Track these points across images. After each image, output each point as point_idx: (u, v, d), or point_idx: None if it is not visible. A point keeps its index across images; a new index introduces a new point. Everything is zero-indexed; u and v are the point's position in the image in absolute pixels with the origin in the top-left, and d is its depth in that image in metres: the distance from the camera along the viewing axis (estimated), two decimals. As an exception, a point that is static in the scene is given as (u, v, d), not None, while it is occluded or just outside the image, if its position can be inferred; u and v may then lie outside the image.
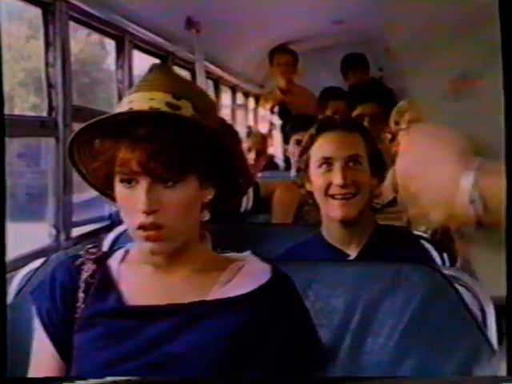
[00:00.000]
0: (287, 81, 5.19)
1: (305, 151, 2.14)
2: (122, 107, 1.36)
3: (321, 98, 4.63)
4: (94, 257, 1.44)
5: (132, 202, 1.33)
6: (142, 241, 1.34)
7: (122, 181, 1.34)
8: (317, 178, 2.08)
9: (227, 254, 1.48)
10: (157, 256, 1.38)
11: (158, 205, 1.31)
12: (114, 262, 1.44)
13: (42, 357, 1.42)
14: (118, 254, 1.46)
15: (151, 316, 1.35)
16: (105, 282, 1.41)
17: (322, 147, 2.09)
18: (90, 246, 1.48)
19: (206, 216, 1.43)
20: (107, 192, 1.42)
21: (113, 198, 1.41)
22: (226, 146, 1.39)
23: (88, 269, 1.42)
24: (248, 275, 1.40)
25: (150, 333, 1.34)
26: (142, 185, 1.32)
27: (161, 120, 1.31)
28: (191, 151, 1.32)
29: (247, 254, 1.47)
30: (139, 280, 1.40)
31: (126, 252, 1.46)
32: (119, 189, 1.35)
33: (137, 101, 1.35)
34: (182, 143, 1.31)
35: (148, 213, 1.31)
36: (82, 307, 1.39)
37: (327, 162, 2.06)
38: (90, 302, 1.39)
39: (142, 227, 1.32)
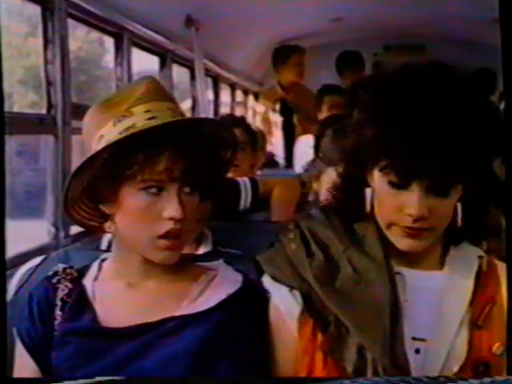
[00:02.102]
0: (296, 79, 5.16)
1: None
2: (141, 115, 1.35)
3: (317, 95, 4.63)
4: (69, 277, 1.46)
5: (157, 209, 1.33)
6: (161, 250, 1.35)
7: (145, 188, 1.33)
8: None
9: (200, 263, 1.49)
10: (125, 250, 1.40)
11: (185, 212, 1.33)
12: (88, 282, 1.45)
13: (25, 374, 1.43)
14: (92, 272, 1.47)
15: (122, 337, 1.37)
16: (80, 302, 1.43)
17: None
18: (65, 266, 1.49)
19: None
20: (92, 207, 1.40)
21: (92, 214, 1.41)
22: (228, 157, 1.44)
23: (64, 288, 1.44)
24: (219, 287, 1.42)
25: (121, 351, 1.36)
26: (171, 192, 1.33)
27: (186, 129, 1.34)
28: (215, 161, 1.39)
29: (220, 262, 1.49)
30: (112, 299, 1.42)
31: (99, 269, 1.47)
32: (140, 197, 1.33)
33: (156, 110, 1.35)
34: (212, 153, 1.38)
35: (179, 220, 1.32)
36: (60, 325, 1.42)
37: None
38: (64, 320, 1.41)
39: (166, 236, 1.33)
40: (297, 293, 1.39)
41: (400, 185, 1.31)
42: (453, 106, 1.30)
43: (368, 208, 1.38)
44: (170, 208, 1.32)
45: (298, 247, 1.40)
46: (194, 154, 1.33)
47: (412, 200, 1.30)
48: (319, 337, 1.36)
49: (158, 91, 1.40)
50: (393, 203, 1.33)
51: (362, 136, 1.35)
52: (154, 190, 1.33)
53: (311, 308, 1.38)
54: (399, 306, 1.34)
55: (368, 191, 1.38)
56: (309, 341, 1.37)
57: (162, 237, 1.34)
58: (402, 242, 1.34)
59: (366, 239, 1.39)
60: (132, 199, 1.34)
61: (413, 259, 1.39)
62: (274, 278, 1.41)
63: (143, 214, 1.34)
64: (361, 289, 1.35)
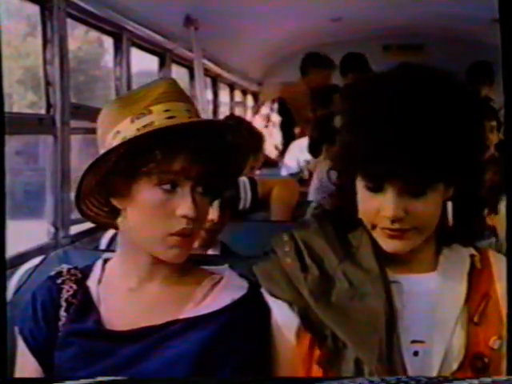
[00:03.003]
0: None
1: None
2: (160, 114, 1.35)
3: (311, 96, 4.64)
4: (74, 278, 1.45)
5: (171, 206, 1.33)
6: (171, 247, 1.35)
7: (159, 184, 1.33)
8: None
9: (204, 267, 1.48)
10: (132, 252, 1.40)
11: (197, 211, 1.33)
12: (92, 284, 1.45)
13: (27, 374, 1.43)
14: (95, 273, 1.46)
15: (127, 339, 1.37)
16: (85, 303, 1.42)
17: None
18: (70, 266, 1.48)
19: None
20: (103, 198, 1.40)
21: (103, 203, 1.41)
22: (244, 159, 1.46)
23: (69, 289, 1.43)
24: (223, 291, 1.41)
25: (124, 354, 1.36)
26: (185, 190, 1.33)
27: (203, 131, 1.34)
28: (233, 162, 1.41)
29: (225, 267, 1.48)
30: (117, 301, 1.42)
31: (103, 269, 1.47)
32: (154, 193, 1.33)
33: (175, 110, 1.36)
34: (229, 154, 1.39)
35: (192, 219, 1.32)
36: (64, 326, 1.41)
37: None
38: (69, 321, 1.41)
39: (177, 234, 1.33)
40: (295, 307, 1.39)
41: (375, 188, 1.33)
42: (417, 106, 1.30)
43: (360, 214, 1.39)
44: (184, 206, 1.32)
45: (293, 261, 1.40)
46: (209, 156, 1.34)
47: (387, 202, 1.31)
48: (317, 350, 1.37)
49: (178, 92, 1.40)
50: (371, 206, 1.34)
51: (340, 144, 1.39)
52: (168, 187, 1.33)
53: (308, 322, 1.38)
54: (395, 317, 1.34)
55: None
56: (306, 354, 1.37)
57: (173, 234, 1.34)
58: (387, 244, 1.35)
59: (360, 250, 1.40)
60: (146, 195, 1.34)
61: (408, 264, 1.40)
62: (271, 294, 1.41)
63: (156, 211, 1.34)
64: (356, 302, 1.35)
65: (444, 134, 1.30)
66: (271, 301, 1.41)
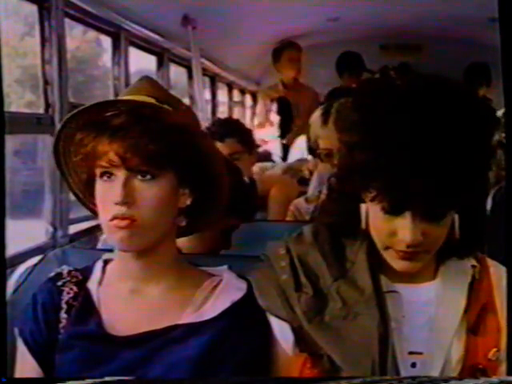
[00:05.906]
0: (294, 77, 5.18)
1: None
2: None
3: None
4: (75, 280, 1.46)
5: (109, 195, 1.35)
6: (114, 231, 1.35)
7: (101, 175, 1.36)
8: None
9: (203, 268, 1.48)
10: (127, 253, 1.40)
11: (132, 197, 1.34)
12: (93, 286, 1.45)
13: (27, 374, 1.43)
14: (96, 275, 1.47)
15: (128, 344, 1.38)
16: (86, 306, 1.43)
17: None
18: (70, 268, 1.48)
19: (183, 222, 1.44)
20: (85, 199, 1.45)
21: (87, 206, 1.46)
22: (204, 150, 1.40)
23: (70, 291, 1.44)
24: (223, 294, 1.42)
25: (126, 358, 1.37)
26: (119, 177, 1.34)
27: (141, 115, 1.34)
28: (169, 148, 1.35)
29: (224, 268, 1.48)
30: (118, 304, 1.42)
31: (103, 271, 1.47)
32: (99, 184, 1.37)
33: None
34: (161, 138, 1.34)
35: (122, 204, 1.33)
36: (65, 328, 1.41)
37: None
38: (70, 324, 1.41)
39: (115, 218, 1.34)
40: (291, 325, 1.38)
41: (393, 212, 1.30)
42: (444, 128, 1.26)
43: (363, 225, 1.36)
44: (115, 193, 1.34)
45: (289, 278, 1.39)
46: (147, 142, 1.33)
47: (405, 227, 1.28)
48: (313, 369, 1.36)
49: (138, 87, 1.43)
50: (387, 228, 1.31)
51: (352, 158, 1.33)
52: (106, 176, 1.36)
53: (303, 342, 1.37)
54: (389, 337, 1.33)
55: (363, 207, 1.36)
56: (302, 372, 1.37)
57: (112, 219, 1.35)
58: (397, 264, 1.33)
59: (355, 266, 1.38)
60: (97, 187, 1.38)
61: (408, 275, 1.38)
62: (270, 311, 1.40)
63: (101, 200, 1.38)
64: (349, 322, 1.34)
65: (467, 159, 1.27)
66: (269, 316, 1.41)
